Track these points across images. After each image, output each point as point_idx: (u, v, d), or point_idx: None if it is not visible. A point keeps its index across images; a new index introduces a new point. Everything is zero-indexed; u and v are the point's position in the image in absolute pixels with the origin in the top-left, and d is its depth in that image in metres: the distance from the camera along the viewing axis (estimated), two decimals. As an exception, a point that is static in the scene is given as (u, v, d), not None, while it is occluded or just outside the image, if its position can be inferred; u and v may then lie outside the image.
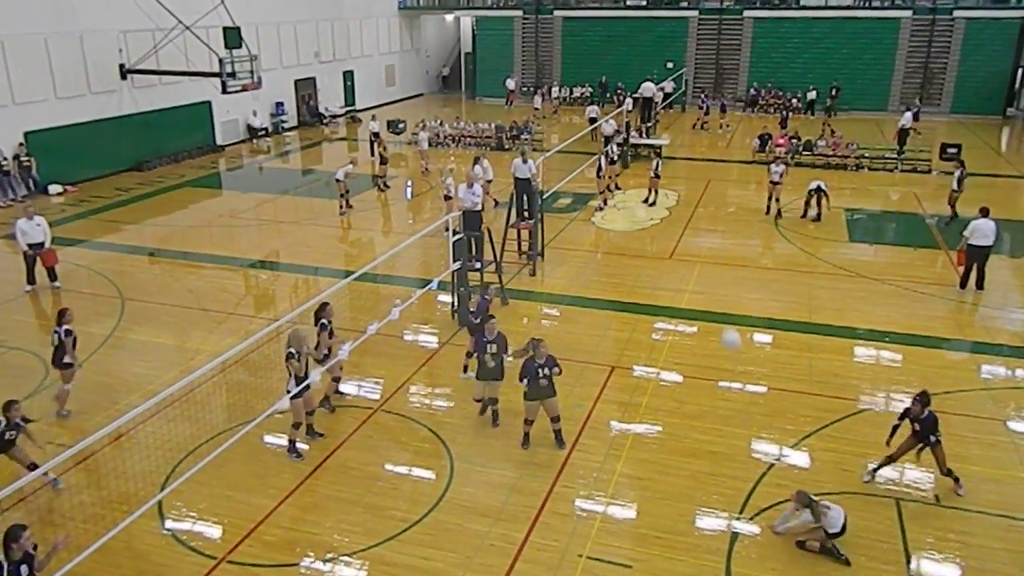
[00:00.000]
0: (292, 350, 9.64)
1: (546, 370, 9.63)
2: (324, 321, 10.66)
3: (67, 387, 10.98)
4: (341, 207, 20.75)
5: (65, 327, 10.78)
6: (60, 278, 15.92)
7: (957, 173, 19.80)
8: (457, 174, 19.46)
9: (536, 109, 35.79)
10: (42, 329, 14.47)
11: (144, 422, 10.49)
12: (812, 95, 35.56)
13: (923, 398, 9.08)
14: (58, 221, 19.82)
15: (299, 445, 10.04)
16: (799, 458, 9.89)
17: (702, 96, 34.74)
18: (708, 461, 9.81)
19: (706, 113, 33.51)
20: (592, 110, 31.95)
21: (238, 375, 12.18)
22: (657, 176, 21.26)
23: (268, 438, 10.32)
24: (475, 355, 10.64)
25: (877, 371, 12.25)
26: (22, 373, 12.23)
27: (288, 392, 9.69)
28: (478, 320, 11.01)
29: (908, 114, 26.58)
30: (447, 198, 18.11)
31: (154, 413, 10.63)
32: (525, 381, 9.75)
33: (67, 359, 10.81)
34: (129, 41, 24.98)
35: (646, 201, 21.46)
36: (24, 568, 6.62)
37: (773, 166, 20.14)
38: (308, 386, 9.92)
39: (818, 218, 19.78)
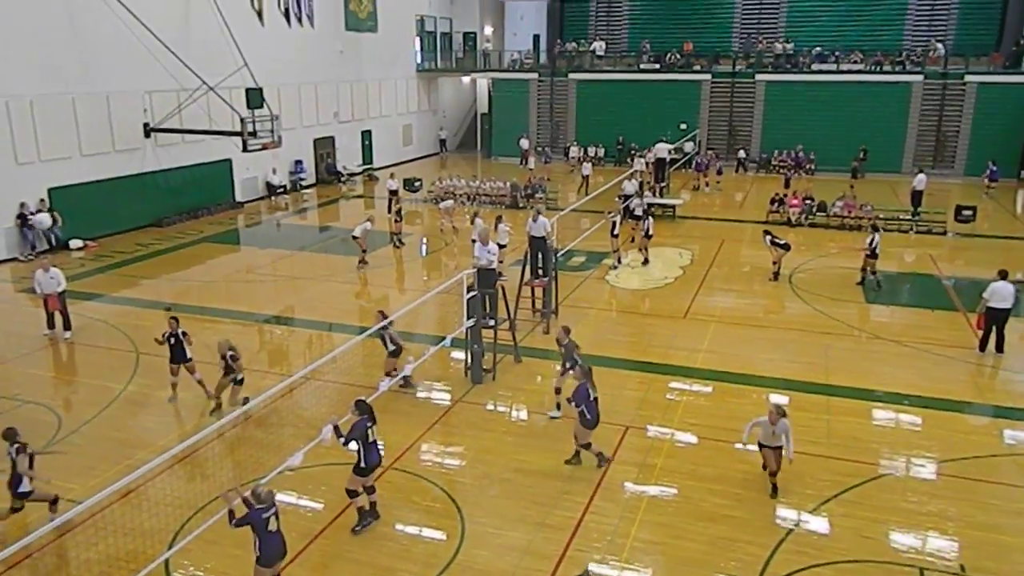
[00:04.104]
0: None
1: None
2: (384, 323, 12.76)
3: (198, 375, 12.92)
4: (362, 261, 20.98)
5: (180, 330, 12.82)
6: (74, 331, 16.12)
7: None
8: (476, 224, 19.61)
9: (586, 177, 32.62)
10: (55, 383, 14.54)
11: (154, 478, 10.43)
12: (743, 154, 37.70)
13: None
14: (77, 275, 20.07)
15: None
16: (818, 524, 9.66)
17: (697, 158, 34.99)
18: (725, 526, 9.59)
19: (718, 172, 33.86)
20: (586, 167, 33.29)
21: (250, 431, 12.11)
22: (648, 236, 21.20)
23: (278, 496, 10.17)
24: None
25: (897, 435, 12.04)
26: (35, 427, 12.18)
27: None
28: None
29: (921, 176, 26.68)
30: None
31: (164, 469, 10.58)
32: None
33: (188, 354, 12.89)
34: (154, 101, 25.63)
35: (645, 262, 21.16)
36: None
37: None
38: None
39: (876, 284, 19.02)
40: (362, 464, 9.26)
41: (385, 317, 12.93)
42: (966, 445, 11.59)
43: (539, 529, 9.54)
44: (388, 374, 13.02)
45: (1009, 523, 9.66)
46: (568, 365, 12.12)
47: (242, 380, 12.36)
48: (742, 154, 37.91)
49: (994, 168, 31.48)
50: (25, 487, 9.41)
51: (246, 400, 11.71)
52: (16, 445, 9.40)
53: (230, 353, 12.19)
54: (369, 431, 9.27)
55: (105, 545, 9.14)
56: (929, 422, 12.34)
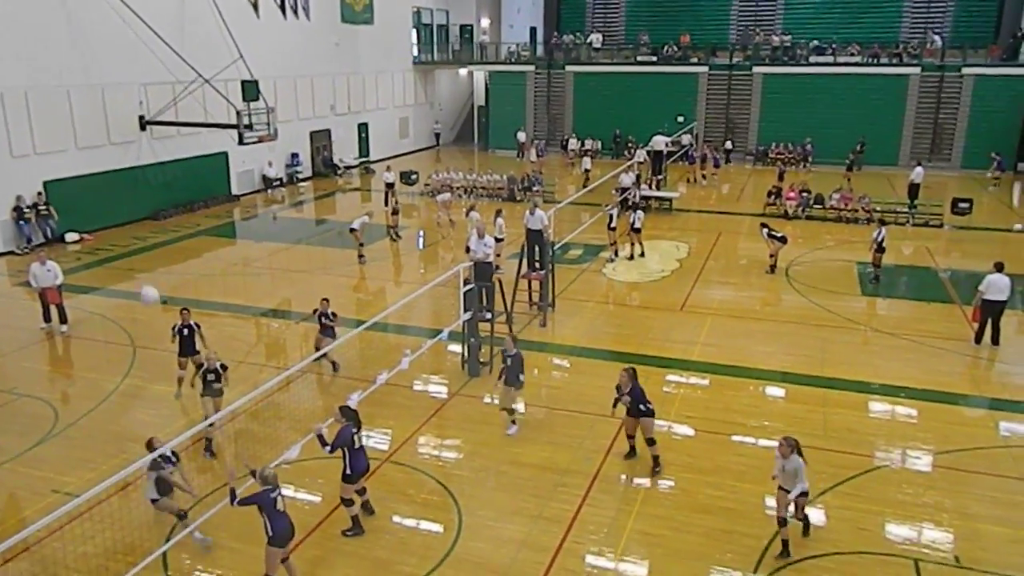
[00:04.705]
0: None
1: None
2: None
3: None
4: (361, 256, 21.02)
5: (193, 321, 12.73)
6: (70, 324, 16.08)
7: None
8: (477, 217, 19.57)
9: (587, 171, 32.62)
10: (52, 376, 14.53)
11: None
12: (729, 145, 37.32)
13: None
14: (73, 269, 20.04)
15: None
16: (814, 515, 9.66)
17: (691, 150, 34.81)
18: (721, 518, 9.63)
19: (715, 165, 33.82)
20: (586, 161, 33.04)
21: (247, 424, 12.11)
22: (636, 230, 21.03)
23: (275, 489, 10.20)
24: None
25: (893, 427, 12.08)
26: (32, 421, 12.22)
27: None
28: None
29: (919, 169, 26.71)
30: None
31: (162, 462, 10.57)
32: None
33: (199, 347, 12.79)
34: (149, 93, 25.53)
35: (630, 258, 21.10)
36: None
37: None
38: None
39: (874, 278, 18.98)
40: (348, 471, 9.14)
41: (328, 303, 13.62)
42: (961, 437, 11.64)
43: (536, 521, 9.57)
44: (318, 348, 13.40)
45: (1004, 514, 9.71)
46: (507, 377, 11.57)
47: (222, 392, 11.47)
48: (729, 146, 37.40)
49: (1000, 159, 31.68)
50: (152, 494, 9.09)
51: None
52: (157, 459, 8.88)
53: (219, 364, 11.33)
54: (355, 438, 9.13)
55: (103, 538, 9.15)
56: (925, 414, 12.38)
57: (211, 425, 10.87)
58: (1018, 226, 20.13)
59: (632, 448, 11.00)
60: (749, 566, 8.71)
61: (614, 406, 10.81)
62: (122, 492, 10.05)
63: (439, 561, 8.86)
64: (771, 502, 9.80)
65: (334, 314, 13.57)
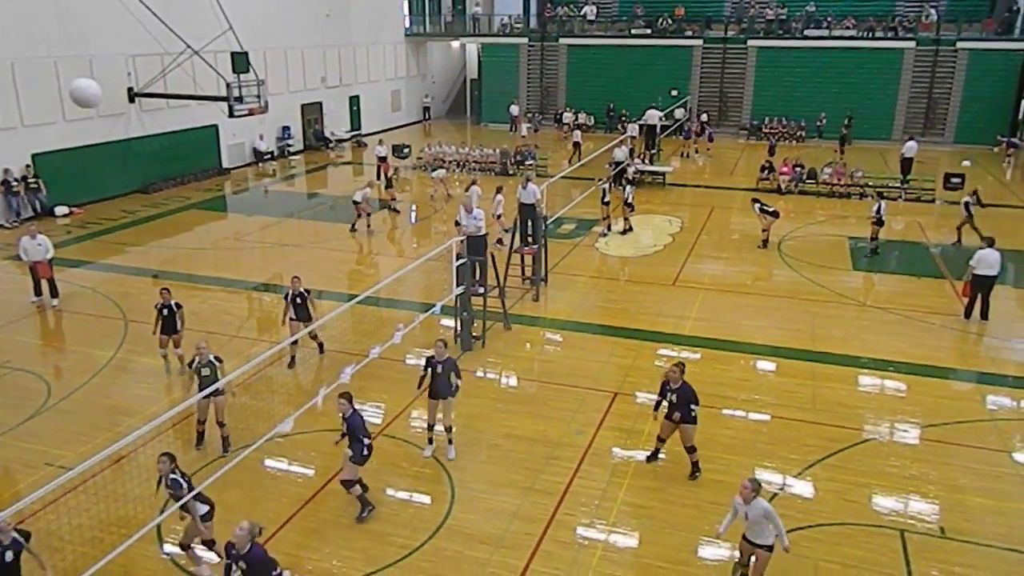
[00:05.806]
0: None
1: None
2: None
3: (180, 351, 12.78)
4: (368, 225, 21.19)
5: (173, 301, 12.68)
6: (61, 298, 16.03)
7: (966, 199, 20.04)
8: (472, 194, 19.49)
9: (577, 144, 31.71)
10: (44, 350, 14.51)
11: (144, 444, 10.45)
12: (704, 117, 35.91)
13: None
14: (64, 242, 19.93)
15: None
16: (803, 488, 9.81)
17: (685, 125, 34.51)
18: (711, 490, 9.73)
19: (710, 139, 33.67)
20: (576, 134, 32.04)
21: (240, 398, 12.13)
22: (628, 205, 20.97)
23: (268, 462, 10.28)
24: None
25: (881, 400, 12.18)
26: (25, 394, 12.23)
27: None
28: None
29: (912, 143, 26.67)
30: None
31: (154, 436, 10.61)
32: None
33: (179, 327, 12.79)
34: (138, 65, 25.23)
35: (623, 232, 21.07)
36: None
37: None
38: None
39: (868, 252, 19.28)
40: (364, 452, 8.98)
41: (300, 281, 12.87)
42: (949, 410, 11.76)
43: (528, 493, 9.66)
44: (292, 332, 12.73)
45: (988, 486, 9.84)
46: (440, 388, 10.41)
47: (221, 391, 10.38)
48: (704, 118, 36.16)
49: (1007, 139, 31.83)
50: None
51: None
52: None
53: (212, 357, 10.37)
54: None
55: (96, 511, 9.21)
56: (913, 388, 12.49)
57: (202, 421, 10.71)
58: (966, 162, 20.59)
59: (656, 451, 10.30)
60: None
61: (656, 408, 10.10)
62: (115, 465, 10.09)
63: (432, 532, 8.95)
64: (760, 475, 9.91)
65: (308, 291, 12.94)
